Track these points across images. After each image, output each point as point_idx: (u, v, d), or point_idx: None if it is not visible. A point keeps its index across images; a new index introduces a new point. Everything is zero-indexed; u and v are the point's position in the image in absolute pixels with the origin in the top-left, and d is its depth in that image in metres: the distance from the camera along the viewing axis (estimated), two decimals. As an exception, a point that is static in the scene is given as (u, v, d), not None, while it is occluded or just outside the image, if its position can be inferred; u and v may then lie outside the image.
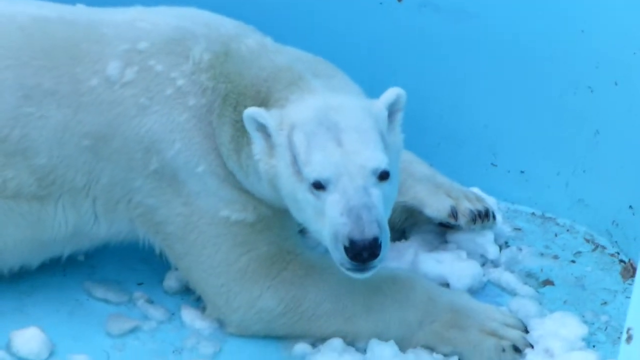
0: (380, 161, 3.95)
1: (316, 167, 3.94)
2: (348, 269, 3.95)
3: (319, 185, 3.94)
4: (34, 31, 4.22)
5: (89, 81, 4.18)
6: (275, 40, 4.41)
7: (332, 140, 3.97)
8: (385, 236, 3.92)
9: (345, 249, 3.89)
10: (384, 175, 3.96)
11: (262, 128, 4.04)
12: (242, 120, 4.08)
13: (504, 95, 5.04)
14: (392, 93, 4.12)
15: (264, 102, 4.11)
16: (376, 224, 3.88)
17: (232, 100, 4.18)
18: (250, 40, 4.30)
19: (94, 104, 4.18)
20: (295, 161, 3.99)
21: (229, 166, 4.20)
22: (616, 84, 4.84)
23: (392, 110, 4.13)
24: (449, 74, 5.07)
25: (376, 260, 3.90)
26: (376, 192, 3.94)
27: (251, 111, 4.03)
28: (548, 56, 4.94)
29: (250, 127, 4.04)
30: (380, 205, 3.93)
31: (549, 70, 4.96)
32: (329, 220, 3.93)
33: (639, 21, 4.75)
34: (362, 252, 3.87)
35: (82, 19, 4.27)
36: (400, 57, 5.10)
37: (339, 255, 3.92)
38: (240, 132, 4.13)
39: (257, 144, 4.07)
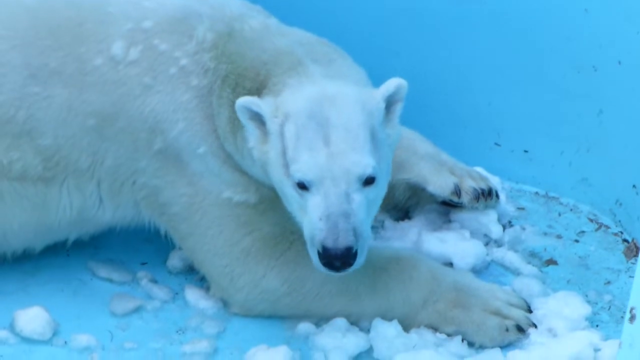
0: (365, 166, 3.94)
1: (301, 168, 3.95)
2: (323, 270, 3.99)
3: (302, 186, 3.95)
4: (40, 11, 4.22)
5: (93, 61, 4.19)
6: (279, 20, 4.40)
7: (320, 139, 3.95)
8: (363, 243, 3.95)
9: (319, 253, 3.92)
10: (369, 181, 3.96)
11: (256, 116, 4.02)
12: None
13: (507, 74, 5.04)
14: (392, 84, 4.08)
15: (262, 85, 4.11)
16: (352, 232, 3.91)
17: (231, 82, 4.18)
18: (254, 21, 4.29)
19: (98, 83, 4.18)
20: (284, 153, 3.99)
21: (227, 148, 4.21)
22: (620, 63, 4.84)
23: (391, 101, 4.09)
24: (453, 54, 5.07)
25: (350, 268, 3.94)
26: (358, 199, 3.95)
27: (244, 101, 4.01)
28: (552, 35, 4.94)
29: (242, 117, 4.02)
30: (361, 212, 3.95)
31: (553, 49, 4.96)
32: (309, 222, 3.96)
33: (643, 0, 4.77)
34: (334, 261, 3.91)
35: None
36: (404, 37, 5.10)
37: (313, 258, 3.97)
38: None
39: (251, 133, 4.05)
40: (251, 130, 4.04)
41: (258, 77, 4.14)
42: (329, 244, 3.90)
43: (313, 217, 3.94)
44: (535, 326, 4.31)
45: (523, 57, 5.00)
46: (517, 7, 4.95)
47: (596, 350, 4.22)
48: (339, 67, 4.18)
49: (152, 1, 4.26)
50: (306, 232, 4.00)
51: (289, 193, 4.01)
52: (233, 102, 4.10)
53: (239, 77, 4.17)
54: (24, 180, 4.24)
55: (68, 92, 4.17)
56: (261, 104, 4.00)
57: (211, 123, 4.21)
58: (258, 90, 4.09)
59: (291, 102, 4.01)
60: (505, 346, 4.28)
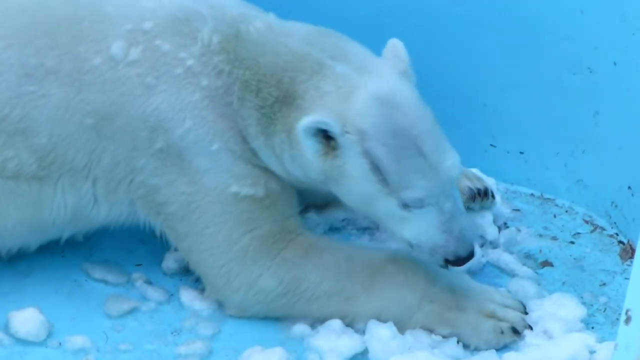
0: (459, 165, 4.15)
1: (418, 193, 4.07)
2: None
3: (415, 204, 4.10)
4: (36, 10, 4.21)
5: (91, 60, 4.17)
6: (266, 10, 4.40)
7: (418, 156, 4.06)
8: None
9: (449, 261, 4.15)
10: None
11: (320, 132, 4.07)
12: (267, 107, 4.14)
13: (503, 76, 5.03)
14: (400, 47, 4.28)
15: (288, 93, 4.13)
16: (471, 232, 4.17)
17: (253, 87, 4.18)
18: (258, 21, 4.28)
19: (97, 82, 4.16)
20: (378, 170, 4.07)
21: (254, 145, 4.21)
22: (615, 64, 4.83)
23: None
24: (448, 54, 5.06)
25: None
26: (458, 196, 4.18)
27: (310, 122, 4.04)
28: (547, 36, 4.94)
29: (306, 137, 4.06)
30: (463, 208, 4.20)
31: (548, 50, 4.96)
32: (424, 232, 4.14)
33: (638, 1, 4.73)
34: (466, 263, 4.18)
35: (87, 0, 4.25)
36: (399, 36, 4.99)
37: (434, 260, 4.19)
38: (267, 117, 4.15)
39: (310, 147, 4.09)
40: (311, 145, 4.08)
41: (281, 84, 4.15)
42: (463, 253, 4.15)
43: (433, 231, 4.12)
44: (531, 328, 4.31)
45: (518, 58, 4.99)
46: (512, 8, 4.94)
47: (591, 352, 4.22)
48: (355, 55, 4.23)
49: (151, 1, 4.25)
50: (417, 241, 4.16)
51: (385, 207, 4.12)
52: (260, 107, 4.15)
53: (260, 82, 4.18)
54: (18, 179, 4.23)
55: (65, 91, 4.16)
56: (328, 121, 4.03)
57: (227, 122, 4.19)
58: (285, 98, 4.12)
59: (357, 115, 4.05)
60: (501, 348, 4.27)
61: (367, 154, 4.07)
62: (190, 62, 4.19)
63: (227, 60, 4.20)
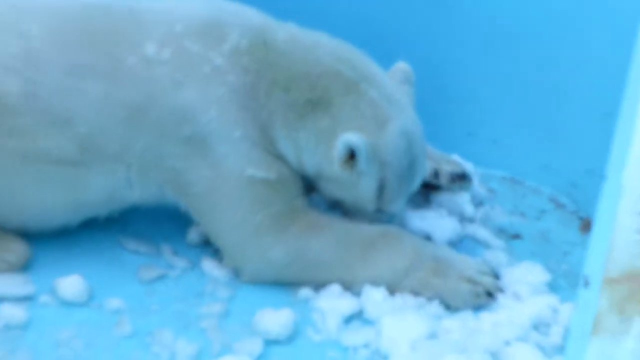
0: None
1: (395, 207, 4.50)
2: None
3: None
4: (76, 16, 4.38)
5: (126, 60, 4.25)
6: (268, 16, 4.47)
7: (411, 183, 4.49)
8: None
9: None
10: None
11: (352, 149, 4.30)
12: (298, 104, 4.34)
13: (478, 73, 5.18)
14: (411, 74, 4.60)
15: (323, 98, 4.35)
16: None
17: (282, 85, 4.33)
18: (282, 32, 4.41)
19: (131, 79, 4.25)
20: (382, 191, 4.44)
21: (276, 135, 4.36)
22: (579, 59, 4.97)
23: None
24: (433, 51, 5.17)
25: None
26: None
27: (353, 142, 4.30)
28: (514, 34, 5.09)
29: (342, 147, 4.31)
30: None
31: (516, 48, 5.12)
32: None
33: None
34: None
35: (123, 8, 4.43)
36: (379, 29, 5.21)
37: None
38: (295, 113, 4.35)
39: (339, 155, 4.36)
40: (341, 154, 4.35)
41: (314, 89, 4.34)
42: None
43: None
44: (503, 291, 4.46)
45: (491, 58, 5.13)
46: (486, 5, 5.07)
47: (554, 311, 4.39)
48: (380, 79, 4.44)
49: (182, 9, 4.35)
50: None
51: (365, 210, 4.51)
52: (288, 104, 4.36)
53: (291, 82, 4.33)
54: (60, 164, 4.31)
55: (103, 86, 4.24)
56: (364, 150, 4.27)
57: (249, 113, 4.32)
58: (319, 102, 4.33)
59: (386, 146, 4.35)
60: (477, 308, 4.43)
61: (381, 179, 4.38)
62: (218, 60, 4.36)
63: (256, 61, 4.39)
